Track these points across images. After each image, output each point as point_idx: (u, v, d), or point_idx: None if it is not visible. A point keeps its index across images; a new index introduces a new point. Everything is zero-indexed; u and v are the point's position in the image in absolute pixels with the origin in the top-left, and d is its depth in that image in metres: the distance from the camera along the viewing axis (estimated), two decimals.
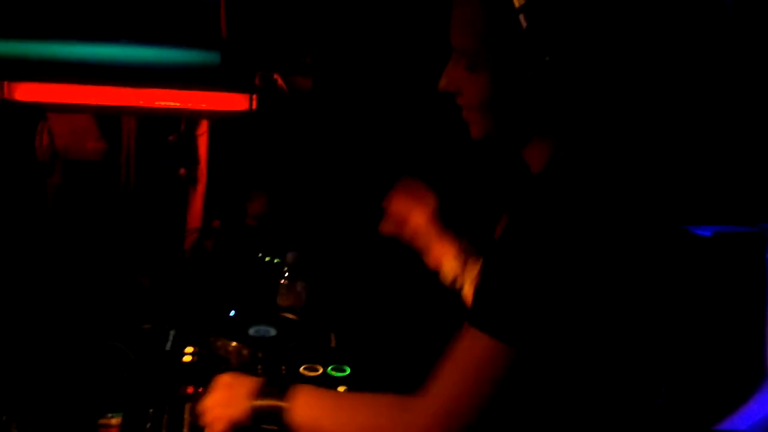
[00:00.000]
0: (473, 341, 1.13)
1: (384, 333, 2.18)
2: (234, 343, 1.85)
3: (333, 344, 1.98)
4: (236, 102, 2.78)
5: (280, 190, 2.80)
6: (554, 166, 1.20)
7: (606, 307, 1.13)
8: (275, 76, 2.96)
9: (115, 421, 1.55)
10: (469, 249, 1.59)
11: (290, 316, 2.06)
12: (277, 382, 1.39)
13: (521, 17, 1.13)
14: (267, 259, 2.35)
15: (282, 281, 2.15)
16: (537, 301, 1.09)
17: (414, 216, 1.63)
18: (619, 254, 1.13)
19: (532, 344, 1.10)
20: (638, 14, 2.61)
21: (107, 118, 2.84)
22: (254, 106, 2.79)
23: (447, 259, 1.60)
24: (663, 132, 2.70)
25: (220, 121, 2.91)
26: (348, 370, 1.83)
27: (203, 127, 2.96)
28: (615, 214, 1.15)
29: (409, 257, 1.71)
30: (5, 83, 2.46)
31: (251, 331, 1.93)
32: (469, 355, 1.13)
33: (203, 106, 2.75)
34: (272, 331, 1.94)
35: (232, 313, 2.05)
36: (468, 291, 1.57)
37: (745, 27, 2.89)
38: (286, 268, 2.16)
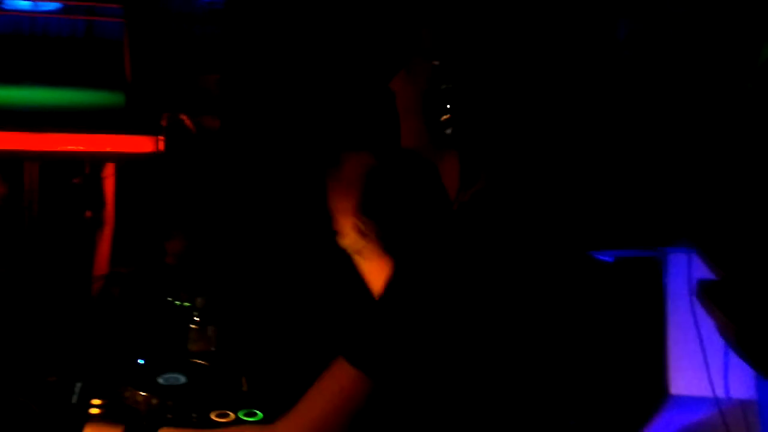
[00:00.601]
0: (341, 371, 1.17)
1: (296, 376, 2.18)
2: (143, 393, 1.82)
3: (245, 388, 1.97)
4: (142, 144, 2.75)
5: (194, 230, 2.78)
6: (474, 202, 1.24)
7: (505, 338, 1.16)
8: (182, 116, 2.95)
9: None
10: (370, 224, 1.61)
11: (201, 361, 2.04)
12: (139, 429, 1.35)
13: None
14: (177, 303, 2.33)
15: (192, 326, 2.13)
16: (405, 337, 1.13)
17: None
18: (521, 287, 1.17)
19: (394, 378, 1.14)
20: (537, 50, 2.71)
21: (7, 162, 2.77)
22: (161, 147, 2.77)
23: (347, 225, 1.62)
24: (567, 162, 2.81)
25: (128, 163, 2.88)
26: (260, 415, 1.82)
27: (110, 170, 2.92)
28: (522, 247, 1.19)
29: (322, 300, 1.73)
30: None
31: (161, 380, 1.90)
32: (335, 384, 1.17)
33: (109, 149, 2.72)
34: (182, 379, 1.92)
35: (141, 361, 2.01)
36: (358, 261, 1.61)
37: (640, 60, 3.03)
38: (196, 313, 2.14)
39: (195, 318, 2.13)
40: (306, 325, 2.39)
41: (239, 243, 2.76)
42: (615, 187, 2.90)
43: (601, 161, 2.88)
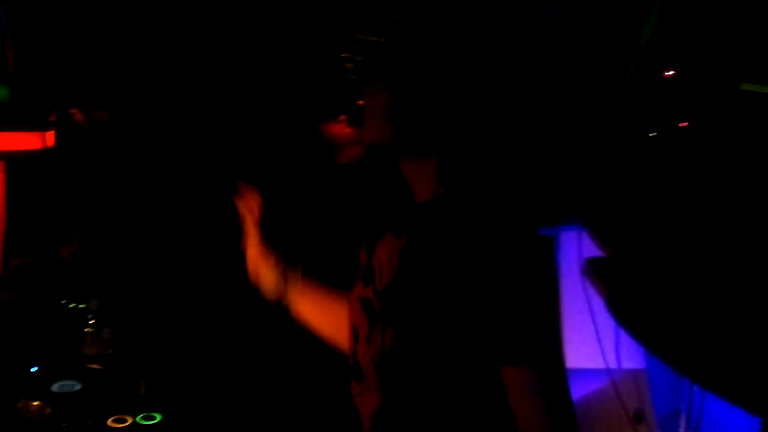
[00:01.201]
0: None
1: (195, 375, 2.17)
2: (36, 403, 1.79)
3: (142, 391, 1.96)
4: (30, 140, 2.67)
5: (88, 229, 2.71)
6: (444, 197, 1.32)
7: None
8: (72, 110, 2.87)
9: None
10: (287, 259, 1.60)
11: (96, 366, 2.01)
12: None
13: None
14: (71, 305, 2.28)
15: (87, 329, 2.10)
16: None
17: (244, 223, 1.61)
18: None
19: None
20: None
21: None
22: (50, 143, 2.69)
23: (265, 269, 1.59)
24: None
25: (15, 161, 2.78)
26: (159, 417, 1.82)
27: None
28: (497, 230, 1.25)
29: (219, 297, 1.71)
30: None
31: (55, 387, 1.87)
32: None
33: None
34: (77, 385, 1.89)
35: (34, 368, 1.97)
36: (293, 302, 1.59)
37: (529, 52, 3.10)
38: (90, 315, 2.11)
39: (90, 321, 2.10)
40: (203, 324, 2.38)
41: (133, 242, 2.71)
42: (510, 167, 2.97)
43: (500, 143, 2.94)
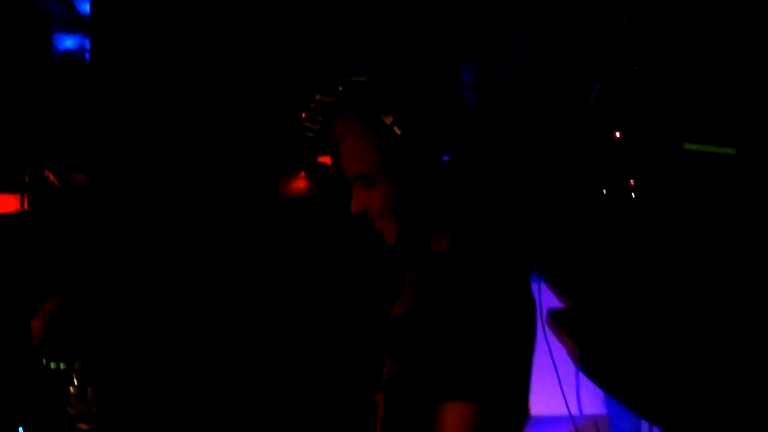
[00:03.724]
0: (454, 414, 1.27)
1: None
2: None
3: None
4: (6, 203, 2.73)
5: (68, 289, 2.75)
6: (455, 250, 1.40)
7: None
8: (46, 172, 2.93)
9: None
10: None
11: (83, 426, 2.06)
12: None
13: (396, 129, 1.35)
14: (53, 365, 2.32)
15: (71, 389, 2.15)
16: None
17: None
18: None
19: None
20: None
21: None
22: (26, 206, 2.75)
23: None
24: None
25: None
26: None
27: None
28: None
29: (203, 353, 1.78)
30: None
31: None
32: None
33: None
34: None
35: (21, 430, 2.02)
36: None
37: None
38: (74, 374, 2.16)
39: (74, 380, 2.15)
40: (188, 380, 2.44)
41: (114, 300, 2.77)
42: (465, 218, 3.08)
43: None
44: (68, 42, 3.93)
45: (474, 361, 1.31)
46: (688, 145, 2.56)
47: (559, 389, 2.93)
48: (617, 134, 2.75)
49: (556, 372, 2.94)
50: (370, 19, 3.07)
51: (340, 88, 1.45)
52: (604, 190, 2.76)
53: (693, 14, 2.66)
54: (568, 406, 2.95)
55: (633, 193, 2.67)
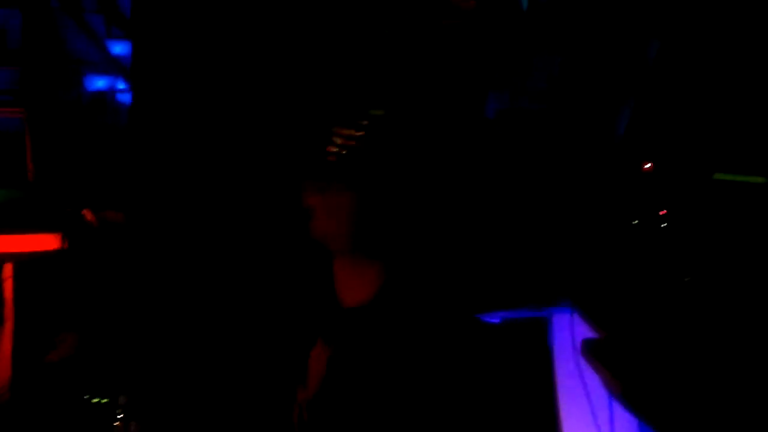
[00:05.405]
0: None
1: None
2: None
3: None
4: (45, 242, 2.78)
5: (108, 323, 2.79)
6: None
7: None
8: (84, 211, 2.99)
9: None
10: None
11: None
12: None
13: None
14: (95, 400, 2.36)
15: (116, 424, 2.18)
16: None
17: None
18: None
19: None
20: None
21: None
22: (65, 244, 2.80)
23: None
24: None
25: (28, 262, 2.88)
26: None
27: (7, 271, 2.90)
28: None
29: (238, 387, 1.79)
30: None
31: None
32: None
33: (10, 249, 2.72)
34: None
35: None
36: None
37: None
38: (118, 410, 2.19)
39: (118, 415, 2.18)
40: (228, 412, 2.46)
41: (152, 334, 2.80)
42: (498, 249, 3.10)
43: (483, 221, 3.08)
44: (99, 83, 4.02)
45: None
46: (718, 175, 2.59)
47: (592, 418, 2.92)
48: (647, 165, 2.78)
49: (589, 402, 2.94)
50: (393, 52, 3.13)
51: (365, 122, 1.49)
52: (635, 222, 2.78)
53: (717, 43, 2.70)
54: None
55: (664, 224, 2.69)
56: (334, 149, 1.54)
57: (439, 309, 1.41)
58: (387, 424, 1.28)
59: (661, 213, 2.70)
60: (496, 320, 3.02)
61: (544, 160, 3.17)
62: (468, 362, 1.37)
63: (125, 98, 3.54)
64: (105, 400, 2.35)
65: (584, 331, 2.91)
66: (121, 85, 3.95)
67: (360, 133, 1.49)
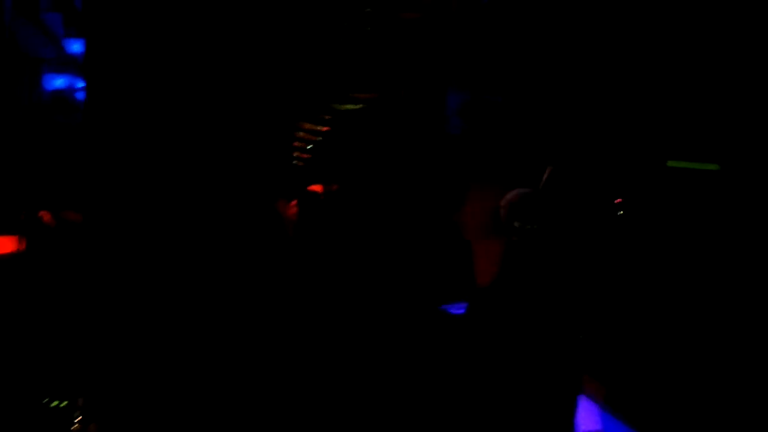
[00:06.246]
0: None
1: None
2: None
3: None
4: (2, 245, 2.75)
5: (70, 323, 2.77)
6: None
7: None
8: (41, 213, 2.96)
9: None
10: None
11: None
12: None
13: None
14: (53, 404, 2.33)
15: (73, 427, 2.16)
16: None
17: None
18: None
19: None
20: None
21: None
22: (22, 246, 2.78)
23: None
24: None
25: None
26: None
27: None
28: None
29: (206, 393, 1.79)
30: None
31: None
32: None
33: None
34: None
35: None
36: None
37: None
38: (77, 412, 2.18)
39: (77, 418, 2.17)
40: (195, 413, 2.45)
41: (114, 336, 2.79)
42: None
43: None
44: (57, 82, 3.98)
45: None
46: (672, 163, 2.61)
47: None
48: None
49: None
50: (359, 48, 3.13)
51: (328, 117, 1.50)
52: (592, 208, 2.80)
53: (673, 31, 2.72)
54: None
55: (620, 212, 2.71)
56: (299, 144, 1.55)
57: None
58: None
59: (616, 201, 2.73)
60: (462, 311, 3.03)
61: (506, 150, 3.18)
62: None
63: (84, 96, 3.51)
64: (64, 403, 2.33)
65: None
66: (80, 84, 3.92)
67: (324, 128, 1.50)
